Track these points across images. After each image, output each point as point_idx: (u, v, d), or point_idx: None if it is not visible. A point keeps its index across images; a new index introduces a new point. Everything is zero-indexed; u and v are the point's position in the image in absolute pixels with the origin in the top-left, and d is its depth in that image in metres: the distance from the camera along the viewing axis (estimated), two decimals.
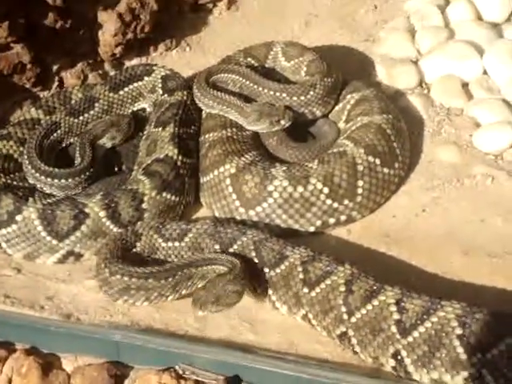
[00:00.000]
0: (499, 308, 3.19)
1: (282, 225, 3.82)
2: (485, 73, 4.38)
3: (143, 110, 4.34)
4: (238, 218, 3.87)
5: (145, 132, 4.19)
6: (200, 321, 3.48)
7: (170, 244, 3.64)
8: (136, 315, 3.53)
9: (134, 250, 3.62)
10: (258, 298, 3.54)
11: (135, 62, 4.71)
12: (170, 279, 3.44)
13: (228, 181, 3.88)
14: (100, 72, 4.59)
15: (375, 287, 3.29)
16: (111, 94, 4.24)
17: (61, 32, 4.33)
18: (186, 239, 3.64)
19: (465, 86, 4.36)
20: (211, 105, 4.13)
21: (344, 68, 4.40)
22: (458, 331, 3.09)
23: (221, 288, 3.35)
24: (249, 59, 4.36)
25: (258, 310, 3.52)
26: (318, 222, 3.82)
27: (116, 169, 4.11)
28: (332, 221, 3.83)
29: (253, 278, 3.50)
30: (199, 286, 3.46)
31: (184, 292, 3.47)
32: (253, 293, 3.54)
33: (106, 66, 4.63)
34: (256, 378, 3.27)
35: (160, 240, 3.65)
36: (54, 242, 3.77)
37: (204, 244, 3.63)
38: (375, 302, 3.26)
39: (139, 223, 3.72)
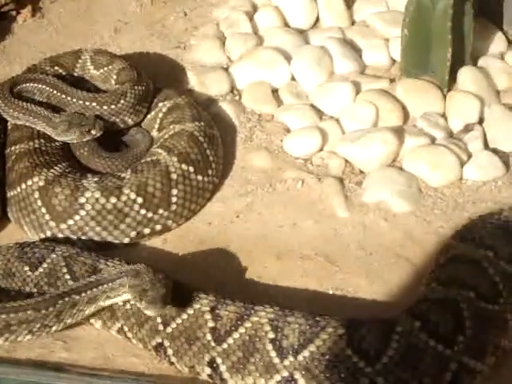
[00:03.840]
0: (311, 309, 3.25)
1: (96, 237, 3.72)
2: (293, 79, 4.47)
3: None
4: (48, 232, 3.74)
5: None
6: (9, 342, 3.32)
7: None
8: None
9: None
10: None
11: None
12: (51, 308, 3.27)
13: (37, 194, 3.73)
14: None
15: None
16: None
17: None
18: None
19: (275, 92, 4.44)
20: (16, 116, 3.96)
21: (155, 76, 4.37)
22: (271, 335, 3.12)
23: (157, 280, 3.21)
24: (56, 68, 4.22)
25: (71, 326, 3.41)
26: (133, 233, 3.76)
27: None
28: (147, 231, 3.78)
29: None
30: (87, 312, 3.32)
31: (69, 321, 3.32)
32: None
33: None
34: None
35: None
36: None
37: (14, 268, 3.48)
38: (190, 311, 3.24)
39: None
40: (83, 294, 3.31)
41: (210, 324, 3.20)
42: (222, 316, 3.20)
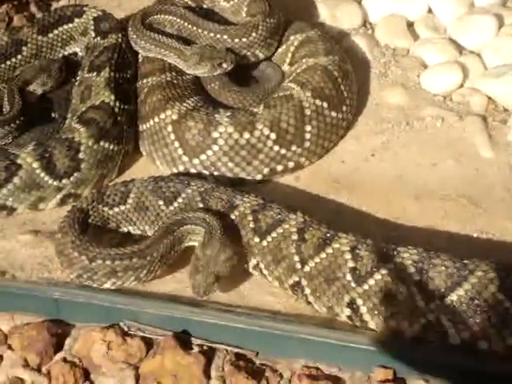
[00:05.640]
0: (454, 252, 3.10)
1: (228, 173, 3.66)
2: (430, 11, 4.26)
3: (75, 54, 4.09)
4: (181, 167, 3.69)
5: (77, 77, 3.95)
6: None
7: (116, 209, 3.45)
8: None
9: (90, 227, 3.41)
10: None
11: (63, 2, 4.44)
12: (155, 254, 3.25)
13: (170, 128, 3.68)
14: (25, 14, 4.30)
15: (329, 235, 3.17)
16: (40, 37, 3.98)
17: None
18: (130, 200, 3.45)
19: (410, 25, 4.25)
20: (148, 48, 3.90)
21: (284, 8, 4.22)
22: (416, 277, 3.00)
23: (214, 262, 3.17)
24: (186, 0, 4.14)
25: None
26: (266, 170, 3.68)
27: (49, 116, 3.86)
28: (280, 168, 3.69)
29: None
30: (179, 250, 3.31)
31: (169, 262, 3.30)
32: None
33: (32, 8, 4.34)
34: (206, 333, 3.15)
35: (106, 208, 3.45)
36: None
37: (148, 202, 3.44)
38: (329, 250, 3.14)
39: (80, 200, 3.48)
40: (175, 234, 3.29)
41: (350, 264, 3.09)
42: (363, 256, 3.09)
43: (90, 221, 3.44)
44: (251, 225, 3.30)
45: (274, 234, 3.25)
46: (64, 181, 3.59)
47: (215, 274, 3.17)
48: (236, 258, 3.23)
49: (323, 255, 3.15)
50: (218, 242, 3.21)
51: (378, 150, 3.78)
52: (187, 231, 3.31)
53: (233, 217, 3.33)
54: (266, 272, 3.30)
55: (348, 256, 3.11)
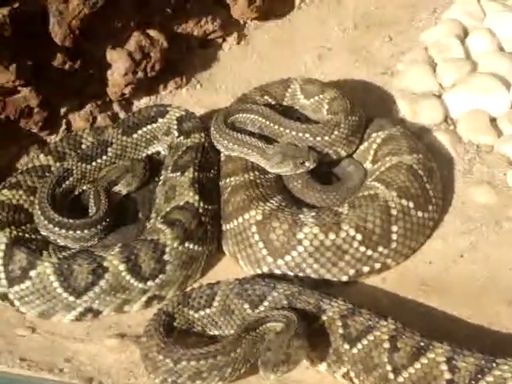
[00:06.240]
0: None
1: (313, 275, 3.61)
2: None
3: (157, 153, 4.11)
4: (265, 267, 3.66)
5: (161, 177, 3.97)
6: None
7: (201, 313, 3.42)
8: None
9: (175, 330, 3.39)
10: None
11: (144, 101, 4.48)
12: (239, 350, 3.20)
13: (254, 228, 3.66)
14: (109, 113, 4.35)
15: (422, 343, 3.09)
16: (124, 138, 4.01)
17: (69, 73, 4.09)
18: (215, 303, 3.42)
19: (493, 121, 4.19)
20: (231, 147, 3.92)
21: (363, 104, 4.20)
22: None
23: (287, 346, 3.11)
24: (266, 97, 4.16)
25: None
26: (352, 271, 3.62)
27: (133, 216, 3.87)
28: (366, 269, 3.63)
29: None
30: (260, 348, 3.23)
31: (253, 360, 3.23)
32: None
33: (115, 107, 4.39)
34: None
35: (191, 312, 3.42)
36: (71, 298, 3.53)
37: (233, 305, 3.40)
38: (424, 360, 3.05)
39: (165, 303, 3.47)
40: (257, 331, 3.24)
41: (447, 376, 3.00)
42: (460, 368, 2.99)
43: (175, 324, 3.41)
44: (340, 330, 3.23)
45: (364, 342, 3.18)
46: (149, 283, 3.57)
47: (287, 354, 3.10)
48: (307, 352, 3.18)
49: (418, 365, 3.06)
50: (294, 331, 3.16)
51: (467, 250, 3.70)
52: (269, 329, 3.26)
53: (321, 321, 3.27)
54: (356, 381, 3.21)
55: (444, 367, 3.01)
